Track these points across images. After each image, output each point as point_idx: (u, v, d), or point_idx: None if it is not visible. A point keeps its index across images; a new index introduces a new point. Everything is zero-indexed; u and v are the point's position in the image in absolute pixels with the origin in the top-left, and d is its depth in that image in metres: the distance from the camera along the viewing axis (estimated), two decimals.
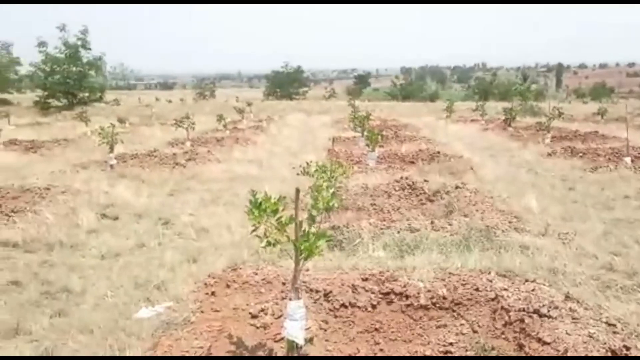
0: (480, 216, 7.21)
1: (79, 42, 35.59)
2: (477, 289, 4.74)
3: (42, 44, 35.23)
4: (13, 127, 23.41)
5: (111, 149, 12.22)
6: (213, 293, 4.96)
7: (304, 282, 5.07)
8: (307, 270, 5.39)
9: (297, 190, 4.02)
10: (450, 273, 5.13)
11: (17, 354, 3.87)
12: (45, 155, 14.62)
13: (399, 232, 6.64)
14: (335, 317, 4.63)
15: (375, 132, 12.36)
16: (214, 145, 16.01)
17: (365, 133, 13.35)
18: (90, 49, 36.06)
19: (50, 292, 5.10)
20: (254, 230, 4.23)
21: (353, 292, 4.83)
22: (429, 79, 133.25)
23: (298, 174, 8.05)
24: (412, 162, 12.56)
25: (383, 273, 5.18)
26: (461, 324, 4.48)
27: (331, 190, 4.67)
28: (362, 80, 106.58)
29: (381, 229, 6.77)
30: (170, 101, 48.25)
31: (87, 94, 35.39)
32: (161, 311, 4.65)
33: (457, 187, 8.89)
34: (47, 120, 28.06)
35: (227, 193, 9.73)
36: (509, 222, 6.97)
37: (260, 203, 4.16)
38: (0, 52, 36.56)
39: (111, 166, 12.05)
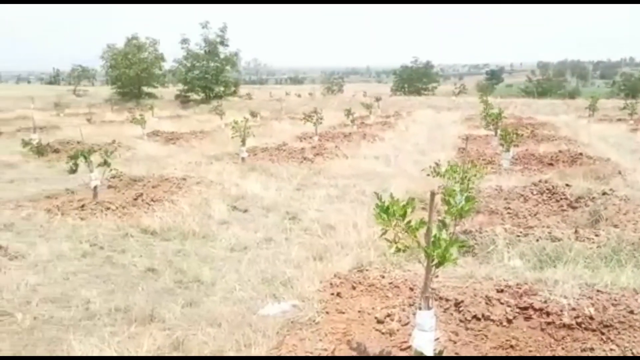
0: (633, 227, 6.50)
1: (218, 39, 37.42)
2: (631, 312, 4.22)
3: (184, 40, 37.54)
4: (156, 119, 25.03)
5: (243, 142, 12.59)
6: (339, 294, 4.85)
7: (433, 289, 4.81)
8: (437, 276, 5.12)
9: (432, 194, 3.78)
10: (598, 290, 4.63)
11: (151, 341, 3.98)
12: (183, 147, 15.44)
13: (537, 240, 6.15)
14: (467, 329, 4.33)
15: (510, 131, 11.70)
16: (342, 141, 16.02)
17: (499, 131, 12.68)
18: (227, 45, 37.90)
19: (183, 281, 5.26)
20: (383, 234, 4.07)
21: (487, 303, 4.50)
22: (568, 75, 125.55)
23: (428, 175, 7.80)
24: (551, 164, 11.73)
25: (520, 285, 4.79)
26: (611, 349, 4.00)
27: (464, 195, 4.35)
28: (494, 76, 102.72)
29: (517, 235, 6.30)
30: (299, 95, 49.27)
31: (222, 89, 37.14)
32: (287, 309, 4.61)
33: (604, 194, 8.12)
34: (186, 113, 29.77)
35: (353, 189, 9.64)
36: None
37: (388, 207, 3.96)
38: (148, 49, 39.25)
39: (242, 159, 12.42)
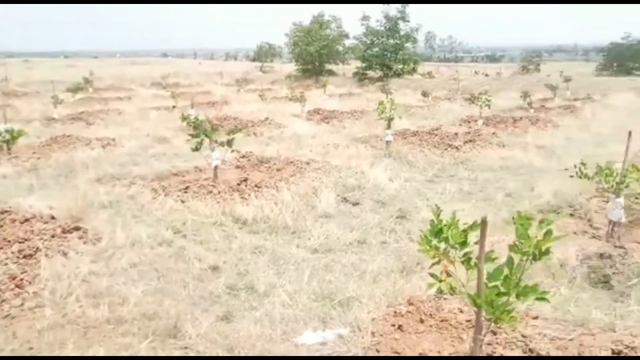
0: None
1: (399, 15, 36.34)
2: None
3: (365, 17, 37.08)
4: (327, 96, 25.01)
5: (388, 125, 11.70)
6: (400, 327, 3.89)
7: (524, 336, 3.66)
8: (536, 318, 3.93)
9: (484, 223, 2.69)
10: None
11: None
12: (335, 127, 14.96)
13: None
14: None
15: None
16: (507, 126, 14.33)
17: None
18: (408, 21, 36.57)
19: (236, 287, 4.67)
20: (434, 264, 3.09)
21: None
22: None
23: (571, 176, 6.35)
24: None
25: None
26: None
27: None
28: None
29: None
30: (487, 75, 46.50)
31: (400, 66, 36.07)
32: (329, 339, 3.80)
33: None
34: (360, 91, 29.35)
35: (492, 185, 8.33)
36: None
37: (441, 229, 2.94)
38: (330, 27, 39.52)
39: (387, 142, 11.55)
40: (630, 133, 6.16)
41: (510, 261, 2.62)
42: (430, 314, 4.00)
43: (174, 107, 19.37)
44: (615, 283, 4.61)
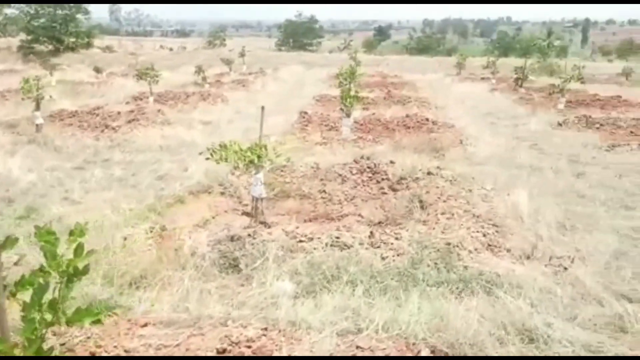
0: (445, 223, 5.20)
1: None
2: None
3: None
4: None
5: (37, 106, 10.28)
6: None
7: (127, 351, 3.19)
8: (145, 325, 3.51)
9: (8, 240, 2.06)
10: (358, 347, 3.20)
11: None
12: None
13: (324, 248, 4.71)
14: None
15: (351, 93, 10.27)
16: (176, 103, 13.99)
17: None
18: None
19: None
20: None
21: None
22: (450, 33, 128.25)
23: (207, 159, 6.11)
24: (394, 131, 10.50)
25: (254, 340, 3.26)
26: None
27: None
28: (381, 33, 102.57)
29: (300, 241, 4.82)
30: (171, 49, 46.00)
31: (73, 40, 33.08)
32: None
33: (429, 174, 6.87)
34: (25, 67, 25.99)
35: (147, 168, 7.81)
36: (484, 236, 4.97)
37: None
38: None
39: (37, 126, 10.14)
40: (262, 108, 6.21)
41: (41, 288, 2.05)
42: None
43: None
44: (242, 266, 4.48)
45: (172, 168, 7.81)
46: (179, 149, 9.13)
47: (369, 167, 7.27)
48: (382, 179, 7.02)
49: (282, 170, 7.53)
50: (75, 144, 8.98)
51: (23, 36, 34.09)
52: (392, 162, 7.36)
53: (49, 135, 9.37)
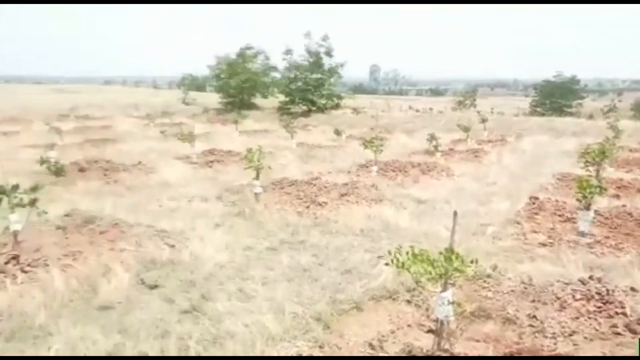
0: None
1: (321, 49, 35.75)
2: None
3: (288, 51, 36.29)
4: (238, 133, 23.91)
5: (257, 176, 10.53)
6: None
7: None
8: None
9: None
10: None
11: None
12: (218, 172, 13.78)
13: None
14: None
15: (591, 182, 8.54)
16: (398, 174, 13.43)
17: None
18: (332, 55, 35.98)
19: None
20: None
21: None
22: None
23: (387, 264, 5.28)
24: None
25: None
26: None
27: None
28: None
29: None
30: (417, 110, 46.22)
31: (323, 102, 35.29)
32: None
33: None
34: (277, 127, 28.13)
35: (338, 257, 7.22)
36: None
37: None
38: (256, 60, 38.50)
39: (256, 195, 10.37)
40: (455, 214, 5.18)
41: None
42: None
43: (54, 145, 17.73)
44: None
45: (364, 260, 7.10)
46: (380, 234, 8.43)
47: (598, 293, 5.67)
48: (617, 313, 5.38)
49: (484, 281, 6.32)
50: (279, 220, 8.86)
51: (281, 97, 37.52)
52: (633, 289, 5.65)
53: (256, 209, 9.42)
